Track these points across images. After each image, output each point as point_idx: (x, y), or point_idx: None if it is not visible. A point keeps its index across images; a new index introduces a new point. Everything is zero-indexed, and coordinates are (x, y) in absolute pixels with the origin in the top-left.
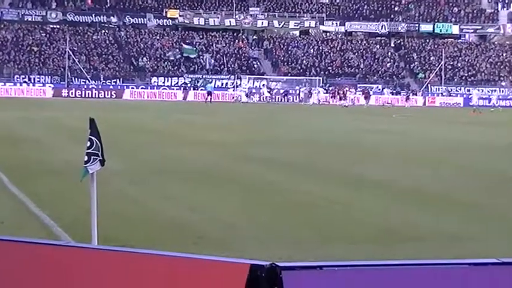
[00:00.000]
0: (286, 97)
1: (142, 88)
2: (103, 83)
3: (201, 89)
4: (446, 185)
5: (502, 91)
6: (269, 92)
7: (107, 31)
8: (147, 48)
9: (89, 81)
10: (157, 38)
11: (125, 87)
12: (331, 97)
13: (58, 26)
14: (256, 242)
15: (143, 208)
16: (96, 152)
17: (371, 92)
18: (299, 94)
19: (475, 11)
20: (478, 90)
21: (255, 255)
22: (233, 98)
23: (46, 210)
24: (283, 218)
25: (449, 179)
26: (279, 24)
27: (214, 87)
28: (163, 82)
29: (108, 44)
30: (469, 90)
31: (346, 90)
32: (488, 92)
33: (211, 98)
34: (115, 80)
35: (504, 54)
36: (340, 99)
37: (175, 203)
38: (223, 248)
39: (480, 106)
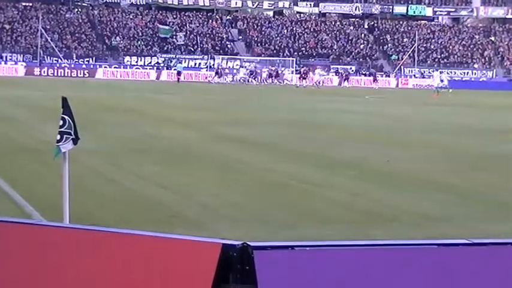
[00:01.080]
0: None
1: (115, 67)
2: (76, 61)
3: (174, 69)
4: (418, 166)
5: (474, 73)
6: (248, 73)
7: (79, 10)
8: (120, 28)
9: (61, 60)
10: (131, 17)
11: (98, 66)
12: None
13: (30, 4)
14: (229, 221)
15: (116, 187)
16: (69, 130)
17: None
18: (261, 74)
19: None
20: (439, 72)
21: (227, 235)
22: (206, 78)
23: (18, 189)
24: (255, 198)
25: (421, 160)
26: (253, 5)
27: (187, 67)
28: (136, 61)
29: (81, 22)
30: (441, 72)
31: (308, 71)
32: (461, 74)
33: (179, 78)
34: (88, 59)
35: (477, 37)
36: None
37: (148, 182)
38: (196, 228)
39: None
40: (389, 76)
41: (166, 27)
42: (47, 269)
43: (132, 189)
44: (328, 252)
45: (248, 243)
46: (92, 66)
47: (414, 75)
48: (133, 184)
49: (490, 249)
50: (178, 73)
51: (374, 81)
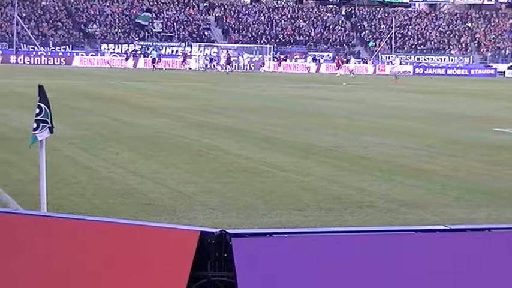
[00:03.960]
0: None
1: (92, 55)
2: (52, 49)
3: (151, 57)
4: (394, 152)
5: (451, 59)
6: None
7: None
8: (97, 15)
9: (37, 47)
10: (107, 4)
11: (75, 54)
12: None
13: None
14: (206, 209)
15: (92, 175)
16: (45, 119)
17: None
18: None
19: None
20: (399, 57)
21: (205, 223)
22: (183, 65)
23: None
24: (232, 185)
25: (397, 146)
26: None
27: (165, 54)
28: (113, 49)
29: (58, 10)
30: (418, 59)
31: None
32: (438, 60)
33: (154, 66)
34: (64, 47)
35: (454, 23)
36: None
37: (124, 169)
38: (173, 215)
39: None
40: (366, 63)
41: (146, 14)
42: (25, 258)
43: (108, 177)
44: (306, 239)
45: (226, 230)
46: (68, 53)
47: (391, 62)
48: (108, 172)
49: (468, 235)
50: (153, 60)
51: (338, 67)
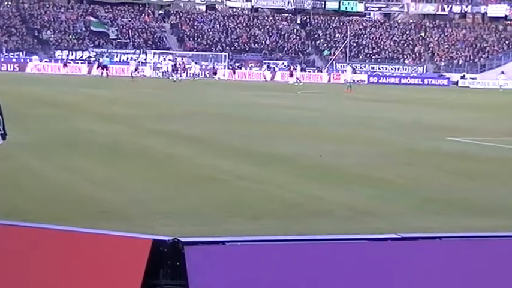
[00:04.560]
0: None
1: (46, 61)
2: (5, 55)
3: (102, 63)
4: (349, 160)
5: (405, 69)
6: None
7: (9, 3)
8: (52, 21)
9: None
10: (62, 10)
11: (28, 60)
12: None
13: None
14: (162, 217)
15: (47, 182)
16: None
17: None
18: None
19: None
20: (351, 66)
21: (160, 230)
22: (137, 72)
23: None
24: (187, 193)
25: (352, 154)
26: None
27: (119, 61)
28: (68, 56)
29: (11, 16)
30: (373, 68)
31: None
32: (392, 69)
33: (107, 73)
34: (18, 53)
35: (408, 33)
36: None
37: (79, 177)
38: (128, 223)
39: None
40: (321, 71)
41: (98, 21)
42: None
43: (63, 184)
44: (259, 247)
45: (179, 238)
46: (22, 60)
47: (346, 71)
48: (63, 179)
49: (419, 243)
50: (104, 67)
51: (290, 75)
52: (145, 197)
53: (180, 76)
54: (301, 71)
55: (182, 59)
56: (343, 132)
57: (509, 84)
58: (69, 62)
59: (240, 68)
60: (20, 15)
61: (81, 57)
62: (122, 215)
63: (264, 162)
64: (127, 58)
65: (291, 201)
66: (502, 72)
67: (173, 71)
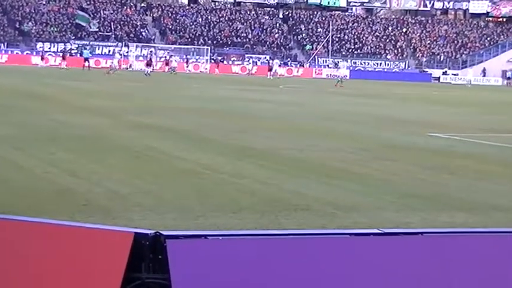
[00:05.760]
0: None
1: (27, 53)
2: None
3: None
4: (329, 155)
5: (387, 64)
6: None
7: None
8: (33, 13)
9: None
10: (43, 2)
11: (10, 52)
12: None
13: None
14: (142, 210)
15: (27, 175)
16: None
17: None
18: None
19: None
20: (346, 61)
21: (140, 224)
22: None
23: None
24: (168, 187)
25: (331, 149)
26: None
27: (101, 54)
28: (49, 48)
29: None
30: (355, 63)
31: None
32: (374, 64)
33: (89, 65)
34: None
35: (390, 28)
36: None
37: (60, 169)
38: (109, 216)
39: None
40: (303, 66)
41: (85, 14)
42: None
43: (43, 177)
44: (241, 242)
45: (160, 232)
46: (3, 51)
47: (328, 66)
48: (44, 172)
49: (401, 239)
50: (85, 59)
51: (269, 70)
52: (126, 190)
53: (149, 70)
54: (279, 66)
55: (150, 52)
56: (323, 126)
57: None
58: (50, 55)
59: (222, 62)
60: (1, 6)
61: (63, 49)
62: (102, 208)
63: (243, 156)
64: (109, 51)
65: (271, 195)
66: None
67: (147, 65)
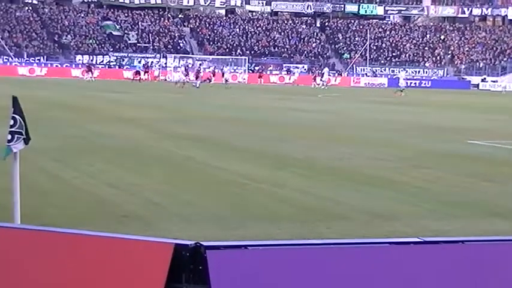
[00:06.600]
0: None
1: (66, 66)
2: (26, 60)
3: (126, 67)
4: (369, 163)
5: (426, 72)
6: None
7: (30, 8)
8: (72, 26)
9: (12, 58)
10: (82, 15)
11: (49, 64)
12: (259, 77)
13: None
14: (181, 220)
15: (67, 186)
16: (20, 130)
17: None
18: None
19: None
20: (405, 71)
21: (180, 235)
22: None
23: None
24: (207, 197)
25: (371, 157)
26: (205, 3)
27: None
28: (88, 60)
29: (32, 20)
30: (393, 71)
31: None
32: (413, 72)
33: (140, 77)
34: (39, 58)
35: (428, 36)
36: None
37: (99, 181)
38: (148, 227)
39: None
40: (341, 75)
41: (108, 22)
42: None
43: (82, 189)
44: (280, 252)
45: (201, 243)
46: (43, 64)
47: (366, 74)
48: (83, 183)
49: (441, 247)
50: (137, 72)
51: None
52: (165, 200)
53: (199, 82)
54: (328, 74)
55: (200, 64)
56: (362, 134)
57: None
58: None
59: (263, 72)
60: (41, 20)
61: (102, 61)
62: (141, 219)
63: (282, 165)
64: (147, 62)
65: (311, 204)
66: None
67: (196, 77)
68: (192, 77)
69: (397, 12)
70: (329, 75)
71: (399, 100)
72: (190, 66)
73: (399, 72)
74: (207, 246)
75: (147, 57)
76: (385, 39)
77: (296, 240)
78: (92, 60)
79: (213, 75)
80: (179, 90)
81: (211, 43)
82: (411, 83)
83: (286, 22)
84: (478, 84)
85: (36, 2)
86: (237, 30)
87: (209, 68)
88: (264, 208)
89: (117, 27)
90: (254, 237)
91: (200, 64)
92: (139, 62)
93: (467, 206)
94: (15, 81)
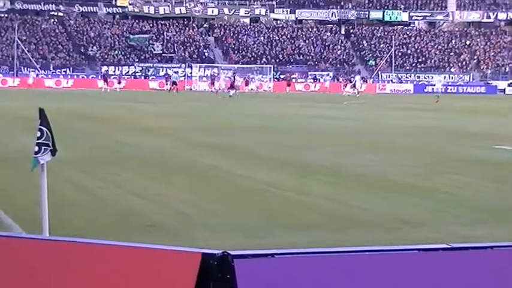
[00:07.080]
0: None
1: (92, 77)
2: (53, 72)
3: (152, 78)
4: (395, 170)
5: (452, 77)
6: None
7: (55, 20)
8: (97, 37)
9: (38, 70)
10: (107, 26)
11: (75, 76)
12: (287, 85)
13: (6, 15)
14: (208, 229)
15: (94, 197)
16: (47, 142)
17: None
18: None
19: None
20: (441, 76)
21: (207, 244)
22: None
23: None
24: (233, 205)
25: (397, 164)
26: (230, 12)
27: (162, 76)
28: (114, 71)
29: (58, 33)
30: (419, 77)
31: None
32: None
33: (177, 87)
34: (65, 69)
35: (453, 41)
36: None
37: (125, 191)
38: (175, 237)
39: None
40: (366, 81)
41: (140, 36)
42: (28, 282)
43: (109, 199)
44: (308, 260)
45: (228, 251)
46: (69, 76)
47: (391, 80)
48: (109, 194)
49: (471, 253)
50: (174, 83)
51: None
52: (191, 210)
53: (234, 92)
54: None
55: (234, 74)
56: (388, 141)
57: None
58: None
59: (291, 80)
60: (66, 32)
61: (127, 72)
62: (168, 228)
63: (307, 172)
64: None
65: (338, 211)
66: None
67: (231, 87)
68: (223, 86)
69: (422, 18)
70: (361, 82)
71: (425, 106)
72: (216, 75)
73: (431, 78)
74: (234, 255)
75: (173, 67)
76: (410, 45)
77: (324, 248)
78: (119, 71)
79: (246, 85)
80: (205, 99)
81: (236, 52)
82: (447, 88)
83: (310, 30)
84: (504, 89)
85: (62, 14)
86: (262, 38)
87: (240, 77)
88: (291, 216)
89: (146, 38)
90: (282, 245)
91: (234, 73)
92: (176, 72)
93: (495, 212)
94: (42, 93)
